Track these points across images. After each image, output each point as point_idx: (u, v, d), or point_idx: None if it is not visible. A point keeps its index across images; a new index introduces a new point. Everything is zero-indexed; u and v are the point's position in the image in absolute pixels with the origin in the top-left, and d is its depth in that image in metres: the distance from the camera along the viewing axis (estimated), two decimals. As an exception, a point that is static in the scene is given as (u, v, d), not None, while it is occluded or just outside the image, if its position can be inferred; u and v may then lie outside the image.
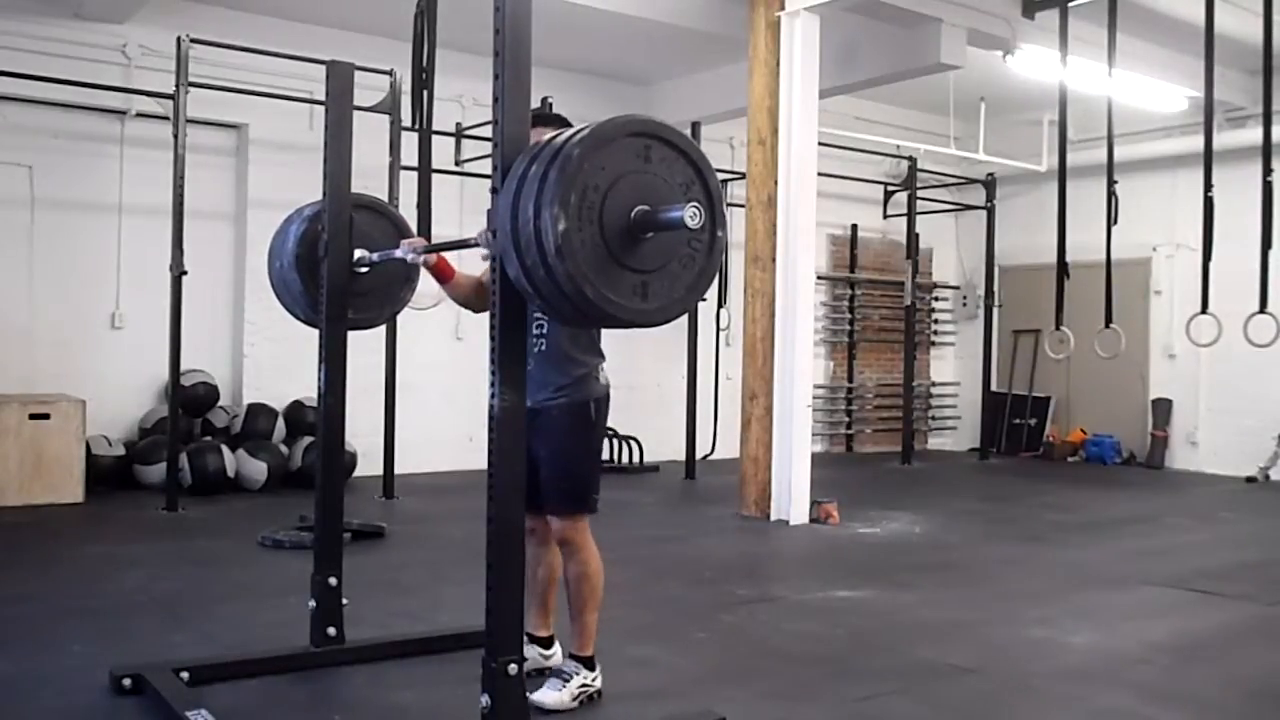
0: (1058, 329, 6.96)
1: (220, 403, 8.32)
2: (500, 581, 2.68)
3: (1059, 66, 6.95)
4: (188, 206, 7.05)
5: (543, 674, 3.57)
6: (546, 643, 3.74)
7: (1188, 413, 10.85)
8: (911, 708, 3.66)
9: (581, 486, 3.49)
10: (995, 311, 11.67)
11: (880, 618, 4.85)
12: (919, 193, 11.02)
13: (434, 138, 7.44)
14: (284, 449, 8.09)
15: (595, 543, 3.56)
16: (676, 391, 9.78)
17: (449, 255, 3.68)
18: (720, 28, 8.13)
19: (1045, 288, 7.70)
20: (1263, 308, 6.22)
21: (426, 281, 3.71)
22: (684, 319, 8.17)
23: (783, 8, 7.33)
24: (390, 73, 7.54)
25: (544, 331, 3.42)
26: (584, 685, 3.50)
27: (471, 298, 3.68)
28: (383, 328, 7.02)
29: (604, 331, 3.42)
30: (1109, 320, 6.86)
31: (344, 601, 3.84)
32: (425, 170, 7.61)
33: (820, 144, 7.53)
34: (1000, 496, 9.10)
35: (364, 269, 3.82)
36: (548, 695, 3.39)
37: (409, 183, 7.59)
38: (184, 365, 7.26)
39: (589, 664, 3.54)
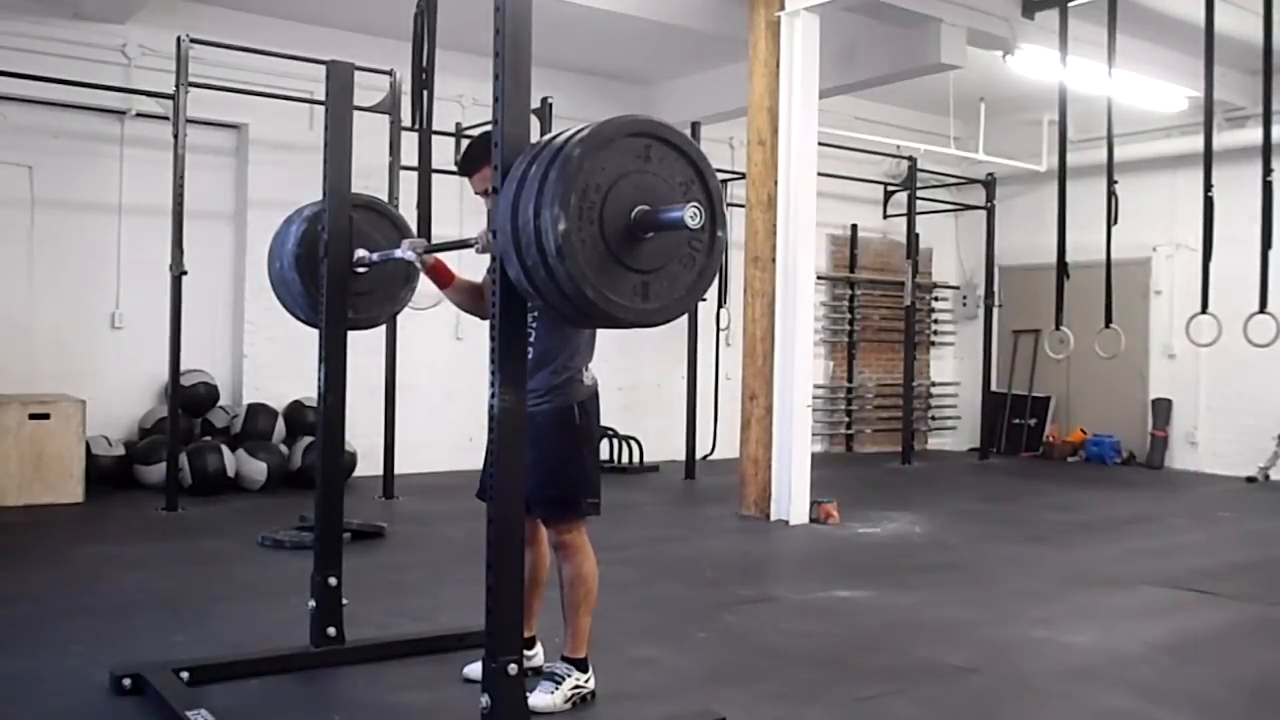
0: (1058, 329, 6.96)
1: (220, 403, 8.32)
2: (500, 581, 2.68)
3: (1059, 66, 6.95)
4: (188, 206, 7.05)
5: (526, 675, 3.57)
6: (528, 644, 3.73)
7: (1188, 413, 10.85)
8: (911, 708, 3.66)
9: (569, 491, 3.48)
10: (995, 311, 11.66)
11: (880, 618, 4.85)
12: (919, 193, 11.01)
13: (434, 138, 7.45)
14: (284, 449, 8.09)
15: (593, 544, 3.56)
16: (676, 391, 9.78)
17: (449, 258, 3.68)
18: (720, 28, 8.12)
19: (1045, 288, 7.69)
20: (1263, 308, 6.22)
21: (426, 281, 3.72)
22: (684, 319, 8.17)
23: (783, 8, 7.32)
24: (390, 73, 7.54)
25: (531, 340, 3.38)
26: (577, 687, 3.50)
27: (473, 302, 3.68)
28: (383, 328, 7.02)
29: (603, 331, 3.42)
30: (1109, 320, 6.86)
31: (344, 601, 3.84)
32: (425, 170, 7.62)
33: (820, 144, 7.53)
34: (1000, 496, 9.10)
35: (364, 269, 3.83)
36: (540, 698, 3.38)
37: (409, 183, 7.60)
38: (184, 365, 7.26)
39: (582, 666, 3.54)
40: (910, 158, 10.82)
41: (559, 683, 3.47)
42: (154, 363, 7.91)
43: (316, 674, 3.78)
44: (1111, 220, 6.73)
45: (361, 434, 7.71)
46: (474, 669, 3.31)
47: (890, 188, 11.38)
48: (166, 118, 7.23)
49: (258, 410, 8.26)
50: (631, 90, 10.16)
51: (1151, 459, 10.94)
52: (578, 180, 2.46)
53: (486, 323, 2.79)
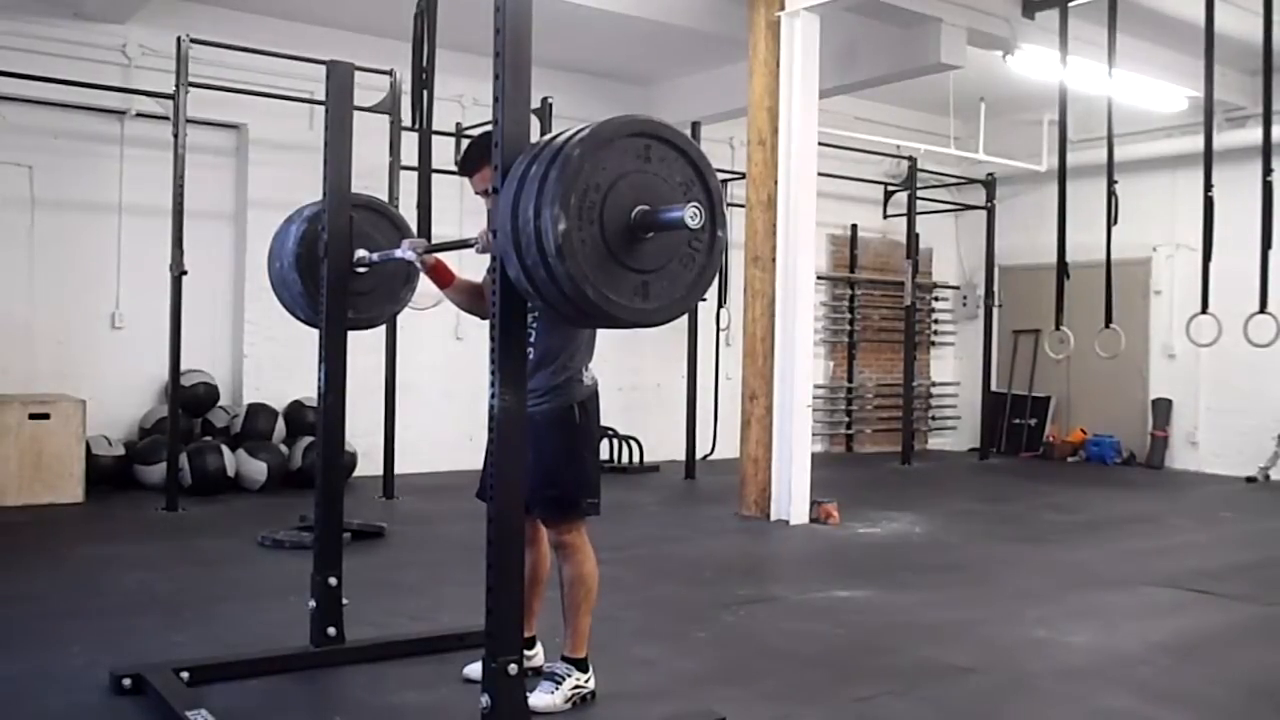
0: (1058, 329, 6.96)
1: (220, 403, 8.32)
2: (500, 581, 2.68)
3: (1059, 66, 6.95)
4: (188, 206, 7.05)
5: (527, 675, 3.57)
6: (528, 644, 3.73)
7: (1188, 413, 10.85)
8: (911, 708, 3.66)
9: (569, 492, 3.48)
10: (995, 311, 11.66)
11: (880, 618, 4.85)
12: (919, 193, 11.01)
13: (434, 138, 7.45)
14: (284, 449, 8.09)
15: (594, 544, 3.56)
16: (676, 391, 9.78)
17: (449, 258, 3.68)
18: (720, 28, 8.13)
19: (1045, 288, 7.69)
20: (1263, 308, 6.21)
21: (427, 281, 3.72)
22: (684, 319, 8.17)
23: (783, 8, 7.32)
24: (390, 73, 7.55)
25: (531, 340, 3.37)
26: (577, 687, 3.50)
27: (473, 302, 3.68)
28: (383, 328, 7.01)
29: (603, 331, 3.42)
30: (1109, 320, 6.86)
31: (344, 601, 3.84)
32: (425, 170, 7.62)
33: (820, 144, 7.53)
34: (1000, 496, 9.09)
35: (364, 269, 3.83)
36: (540, 698, 3.38)
37: (409, 183, 7.60)
38: (184, 365, 7.26)
39: (582, 666, 3.54)
40: (910, 158, 10.82)
41: (559, 683, 3.47)
42: (154, 363, 7.91)
43: (316, 674, 3.78)
44: (1111, 220, 6.73)
45: (361, 434, 7.71)
46: (474, 669, 3.31)
47: (890, 188, 11.38)
48: (166, 118, 7.23)
49: (258, 410, 8.25)
50: (631, 90, 10.16)
51: (1151, 459, 10.94)
52: (578, 180, 2.46)
53: (486, 323, 2.79)
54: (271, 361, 8.41)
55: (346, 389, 3.85)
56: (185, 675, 3.53)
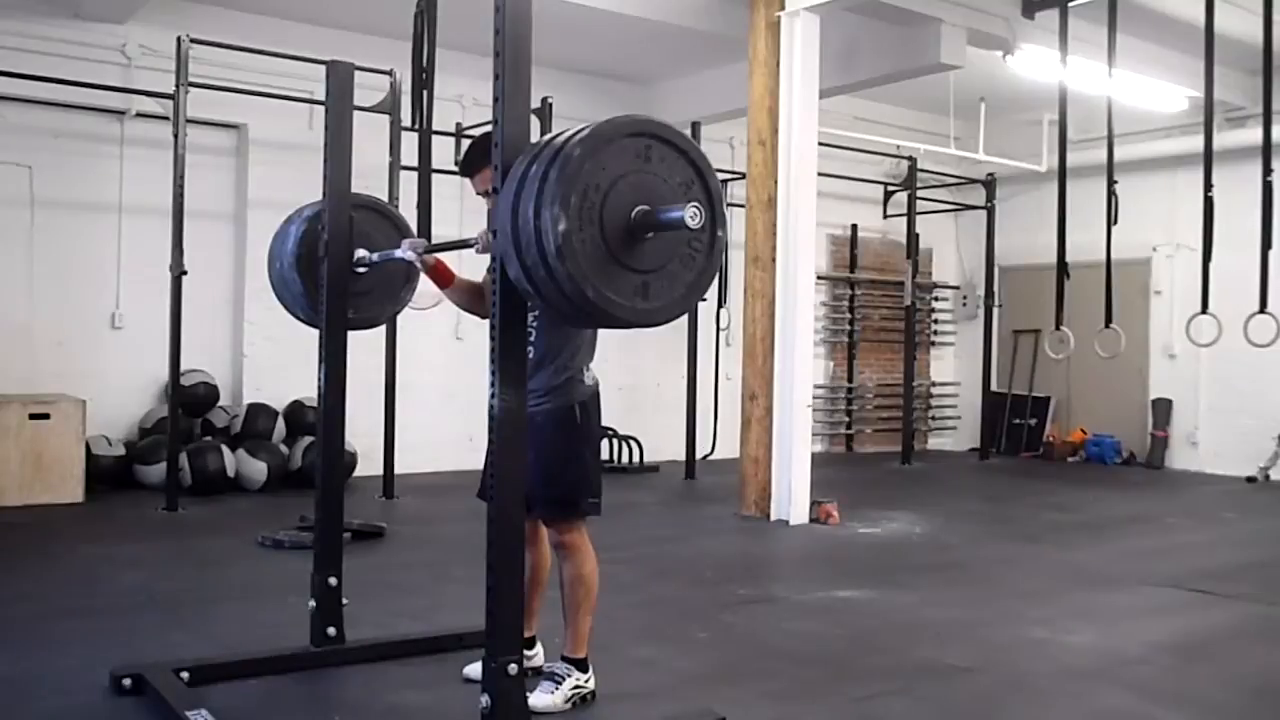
0: (1058, 329, 6.96)
1: (220, 403, 8.32)
2: (500, 581, 2.68)
3: (1059, 66, 6.94)
4: (188, 206, 7.05)
5: (527, 675, 3.57)
6: (528, 644, 3.73)
7: (1188, 413, 10.85)
8: (911, 708, 3.66)
9: (569, 491, 3.48)
10: (995, 311, 11.67)
11: (880, 618, 4.85)
12: (919, 193, 11.01)
13: (434, 138, 7.45)
14: (284, 449, 8.09)
15: (594, 544, 3.56)
16: (676, 391, 9.78)
17: (448, 258, 3.68)
18: (720, 28, 8.13)
19: (1045, 288, 7.70)
20: (1263, 308, 6.21)
21: (427, 281, 3.72)
22: (684, 319, 8.16)
23: (783, 8, 7.33)
24: (390, 73, 7.55)
25: (532, 339, 3.38)
26: (577, 687, 3.50)
27: (473, 302, 3.68)
28: (383, 328, 7.01)
29: (603, 331, 3.42)
30: (1109, 320, 6.86)
31: (344, 601, 3.84)
32: (425, 170, 7.62)
33: (820, 144, 7.53)
34: (1000, 496, 9.10)
35: (364, 269, 3.83)
36: (540, 698, 3.38)
37: (409, 183, 7.60)
38: (184, 365, 7.26)
39: (582, 666, 3.54)
40: (910, 158, 10.82)
41: (559, 683, 3.47)
42: (154, 363, 7.91)
43: (316, 674, 3.78)
44: (1111, 220, 6.73)
45: (361, 434, 7.70)
46: (474, 669, 3.31)
47: (890, 188, 11.38)
48: (166, 118, 7.23)
49: (258, 410, 8.25)
50: (631, 90, 10.16)
51: (1151, 459, 10.94)
52: (578, 180, 2.46)
53: (486, 323, 2.79)
54: (271, 361, 8.40)
55: (346, 389, 3.86)
56: (185, 675, 3.53)
